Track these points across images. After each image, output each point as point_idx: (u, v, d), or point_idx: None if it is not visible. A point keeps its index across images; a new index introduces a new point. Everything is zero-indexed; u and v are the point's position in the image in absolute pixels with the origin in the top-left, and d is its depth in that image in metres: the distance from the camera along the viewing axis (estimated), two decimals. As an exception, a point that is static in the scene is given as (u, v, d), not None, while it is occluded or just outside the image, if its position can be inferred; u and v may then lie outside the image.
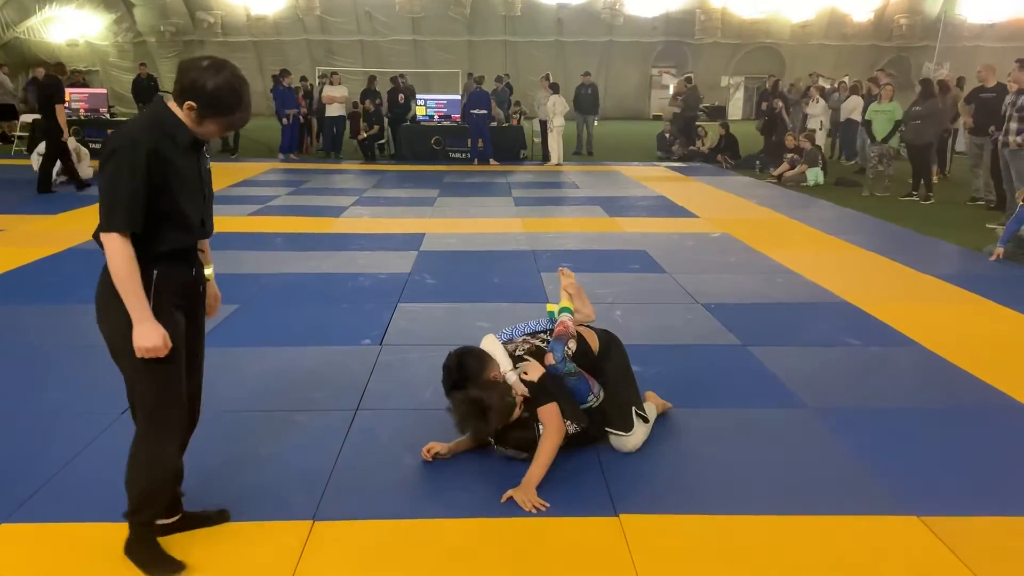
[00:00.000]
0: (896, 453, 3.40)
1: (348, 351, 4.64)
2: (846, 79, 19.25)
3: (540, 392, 3.20)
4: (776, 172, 13.17)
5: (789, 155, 13.20)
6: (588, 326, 3.69)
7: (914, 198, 11.07)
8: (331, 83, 16.12)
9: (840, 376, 4.32)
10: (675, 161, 16.17)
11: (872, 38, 30.90)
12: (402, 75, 18.08)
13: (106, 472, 2.95)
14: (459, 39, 30.27)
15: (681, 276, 6.50)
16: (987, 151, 10.27)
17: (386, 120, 16.44)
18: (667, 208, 10.18)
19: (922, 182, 11.14)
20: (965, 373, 4.35)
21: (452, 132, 16.02)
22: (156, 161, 2.30)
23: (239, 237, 7.85)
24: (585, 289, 4.00)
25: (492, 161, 15.26)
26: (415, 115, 16.40)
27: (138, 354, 2.32)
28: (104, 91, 17.50)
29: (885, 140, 11.56)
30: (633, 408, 3.40)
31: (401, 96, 16.36)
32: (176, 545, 2.63)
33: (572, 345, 3.39)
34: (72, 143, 11.16)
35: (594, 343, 3.55)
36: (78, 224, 8.13)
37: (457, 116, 16.09)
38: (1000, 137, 8.93)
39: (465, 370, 3.15)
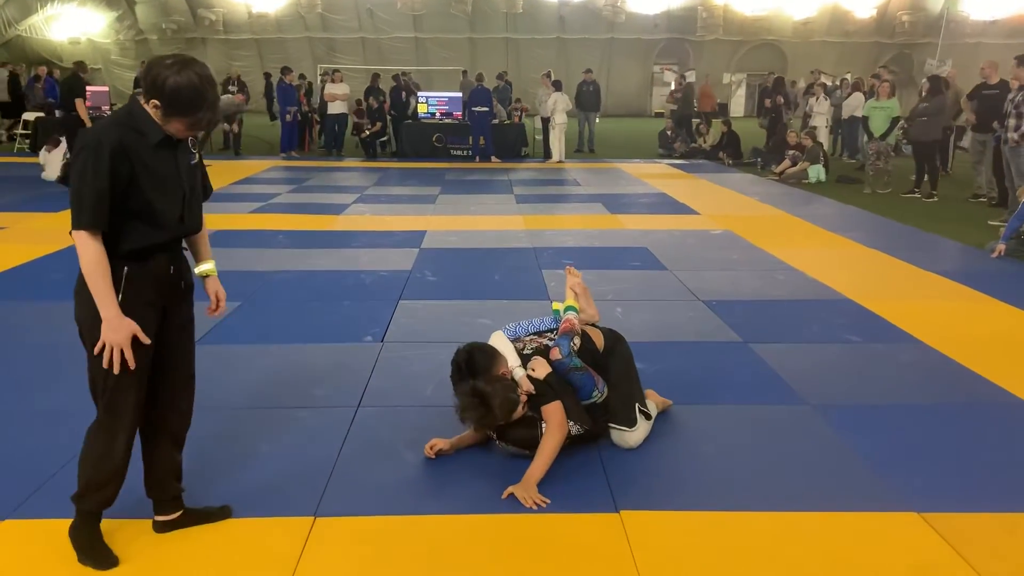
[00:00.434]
0: (897, 449, 3.40)
1: (349, 348, 4.65)
2: (848, 76, 19.22)
3: (546, 390, 3.21)
4: (778, 169, 13.16)
5: (791, 152, 13.19)
6: (593, 325, 3.71)
7: (916, 195, 11.05)
8: (332, 80, 16.12)
9: (841, 373, 4.32)
10: (677, 158, 16.17)
11: (874, 35, 30.88)
12: (405, 72, 18.07)
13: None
14: (460, 36, 30.29)
15: (682, 273, 6.49)
16: (990, 148, 10.26)
17: (388, 117, 16.45)
18: (668, 205, 10.18)
19: (926, 179, 11.12)
20: (966, 370, 4.35)
21: (454, 129, 16.02)
22: (121, 159, 2.29)
23: (240, 235, 7.86)
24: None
25: (494, 158, 15.26)
26: (415, 111, 16.39)
27: (108, 348, 2.33)
28: (106, 89, 17.50)
29: (883, 137, 11.54)
30: (636, 404, 3.41)
31: (404, 94, 16.36)
32: (177, 541, 2.64)
33: (577, 341, 3.40)
34: None
35: (599, 341, 3.57)
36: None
37: (459, 113, 16.10)
38: (1001, 134, 8.93)
39: (474, 365, 3.18)
